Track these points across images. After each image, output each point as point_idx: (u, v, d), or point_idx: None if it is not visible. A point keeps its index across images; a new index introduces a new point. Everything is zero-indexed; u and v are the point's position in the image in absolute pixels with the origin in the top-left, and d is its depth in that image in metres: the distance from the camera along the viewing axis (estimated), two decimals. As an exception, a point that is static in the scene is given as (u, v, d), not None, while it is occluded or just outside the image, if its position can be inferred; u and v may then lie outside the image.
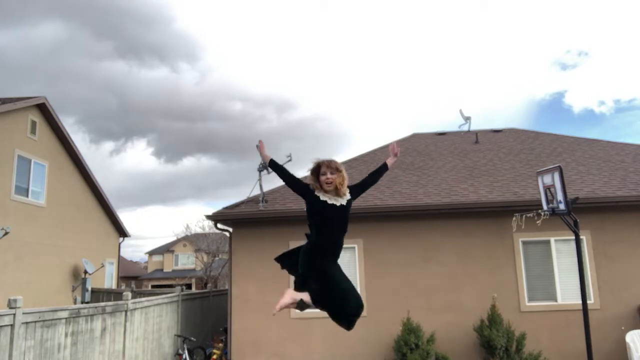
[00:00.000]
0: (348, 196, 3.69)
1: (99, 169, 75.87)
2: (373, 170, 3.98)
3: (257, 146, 4.04)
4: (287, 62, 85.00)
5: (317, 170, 3.70)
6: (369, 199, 10.08)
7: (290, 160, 10.20)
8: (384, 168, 3.98)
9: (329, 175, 3.62)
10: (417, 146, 14.06)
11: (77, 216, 18.04)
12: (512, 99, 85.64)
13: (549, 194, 7.75)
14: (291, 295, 3.55)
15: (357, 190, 3.81)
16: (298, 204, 9.76)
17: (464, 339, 9.18)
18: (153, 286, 38.58)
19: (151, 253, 49.25)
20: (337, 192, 3.64)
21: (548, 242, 9.60)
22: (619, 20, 72.29)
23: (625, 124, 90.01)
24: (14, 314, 5.28)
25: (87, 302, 15.23)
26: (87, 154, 79.54)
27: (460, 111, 15.11)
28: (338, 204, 3.63)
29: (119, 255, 21.86)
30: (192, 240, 42.38)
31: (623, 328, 8.98)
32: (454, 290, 9.56)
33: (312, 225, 3.68)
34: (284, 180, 3.79)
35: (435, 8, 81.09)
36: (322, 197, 3.66)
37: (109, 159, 67.13)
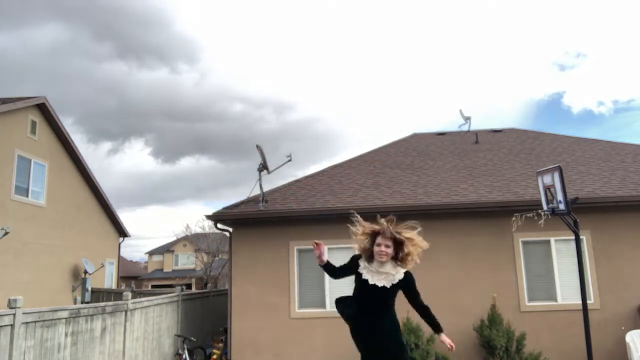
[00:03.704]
0: (400, 276, 3.43)
1: (97, 169, 75.93)
2: (426, 315, 3.92)
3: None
4: (286, 62, 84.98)
5: (374, 235, 3.43)
6: (369, 199, 10.07)
7: (290, 160, 10.20)
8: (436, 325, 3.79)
9: (382, 248, 3.38)
10: (417, 146, 14.05)
11: (77, 216, 18.04)
12: (512, 99, 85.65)
13: (549, 194, 7.74)
14: None
15: (408, 290, 3.62)
16: (298, 204, 9.80)
17: (464, 339, 9.16)
18: (153, 286, 38.56)
19: (151, 253, 49.27)
20: (393, 264, 3.36)
21: (548, 242, 9.59)
22: (617, 21, 72.29)
23: (624, 124, 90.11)
24: (14, 314, 5.28)
25: (87, 302, 15.23)
26: (85, 154, 79.44)
27: (460, 111, 15.14)
28: (379, 285, 3.37)
29: (119, 255, 21.86)
30: (192, 240, 42.39)
31: (623, 328, 8.98)
32: (454, 290, 9.54)
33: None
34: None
35: (435, 8, 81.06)
36: (364, 275, 3.40)
37: (106, 158, 67.20)
